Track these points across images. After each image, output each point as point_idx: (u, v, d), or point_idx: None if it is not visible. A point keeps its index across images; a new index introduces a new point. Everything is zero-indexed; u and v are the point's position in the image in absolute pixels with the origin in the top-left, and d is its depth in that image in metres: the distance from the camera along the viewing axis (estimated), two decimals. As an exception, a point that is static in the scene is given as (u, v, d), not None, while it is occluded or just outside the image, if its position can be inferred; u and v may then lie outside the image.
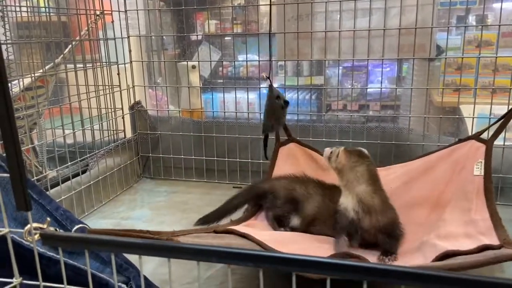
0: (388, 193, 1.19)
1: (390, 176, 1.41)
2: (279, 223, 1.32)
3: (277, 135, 1.59)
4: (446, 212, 1.17)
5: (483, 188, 1.16)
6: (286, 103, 1.53)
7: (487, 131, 1.33)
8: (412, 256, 1.08)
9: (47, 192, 1.34)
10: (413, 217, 1.24)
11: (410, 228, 1.18)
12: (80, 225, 0.82)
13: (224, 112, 1.90)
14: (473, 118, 1.57)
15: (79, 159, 1.68)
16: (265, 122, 1.55)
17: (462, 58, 1.69)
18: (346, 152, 1.17)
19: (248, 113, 1.91)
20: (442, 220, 1.15)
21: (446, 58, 1.70)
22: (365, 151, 1.20)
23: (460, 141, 1.37)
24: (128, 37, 1.93)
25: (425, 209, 1.27)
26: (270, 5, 1.55)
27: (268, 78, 1.56)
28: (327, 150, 1.21)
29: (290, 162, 1.54)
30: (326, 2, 1.65)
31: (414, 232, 1.17)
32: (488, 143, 1.27)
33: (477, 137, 1.32)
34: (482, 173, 1.19)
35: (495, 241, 0.97)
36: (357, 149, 1.20)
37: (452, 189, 1.26)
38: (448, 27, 1.65)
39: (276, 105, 1.52)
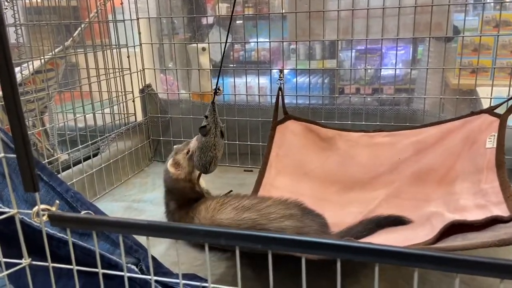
0: (397, 164, 1.16)
1: (398, 145, 1.38)
2: None
3: (275, 114, 1.52)
4: (456, 185, 1.14)
5: (495, 160, 1.13)
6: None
7: (500, 108, 1.29)
8: (423, 226, 1.05)
9: (59, 175, 1.35)
10: (420, 191, 1.21)
11: (417, 202, 1.16)
12: (88, 210, 0.82)
13: (235, 95, 1.88)
14: (490, 99, 1.52)
15: (90, 142, 1.69)
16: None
17: (480, 36, 1.64)
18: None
19: (259, 95, 1.89)
20: (453, 194, 1.12)
21: (463, 37, 1.64)
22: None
23: (473, 113, 1.33)
24: (138, 19, 1.91)
25: (433, 183, 1.24)
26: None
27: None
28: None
29: (289, 139, 1.50)
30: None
31: (421, 206, 1.15)
32: (502, 117, 1.23)
33: (490, 111, 1.28)
34: (495, 146, 1.16)
35: (505, 211, 0.94)
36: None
37: (462, 163, 1.23)
38: (466, 4, 1.59)
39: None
